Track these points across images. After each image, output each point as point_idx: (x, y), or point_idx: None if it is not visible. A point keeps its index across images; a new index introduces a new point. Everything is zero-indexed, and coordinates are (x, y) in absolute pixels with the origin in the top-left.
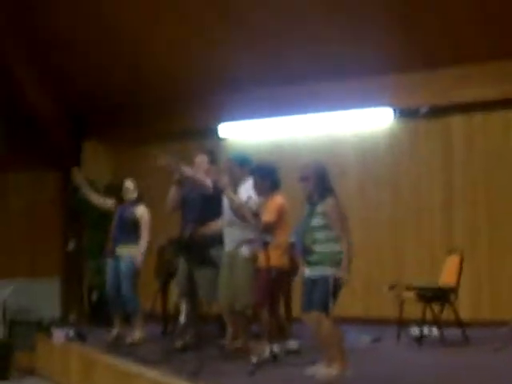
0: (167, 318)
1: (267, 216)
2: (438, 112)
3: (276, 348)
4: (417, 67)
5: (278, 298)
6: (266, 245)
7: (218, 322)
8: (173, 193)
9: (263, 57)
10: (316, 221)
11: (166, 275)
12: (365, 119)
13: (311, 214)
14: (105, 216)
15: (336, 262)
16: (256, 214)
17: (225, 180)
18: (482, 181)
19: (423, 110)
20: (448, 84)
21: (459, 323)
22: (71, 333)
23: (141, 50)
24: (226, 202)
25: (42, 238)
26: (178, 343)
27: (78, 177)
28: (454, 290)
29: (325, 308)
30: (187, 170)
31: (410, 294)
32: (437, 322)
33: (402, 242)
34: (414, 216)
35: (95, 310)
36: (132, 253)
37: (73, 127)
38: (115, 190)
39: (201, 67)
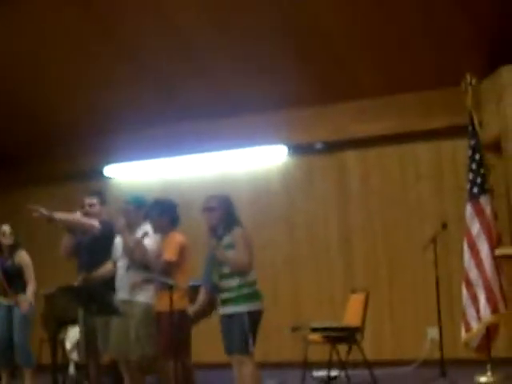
0: (56, 370)
1: (168, 255)
2: (333, 148)
3: None
4: (310, 102)
5: (184, 343)
6: (169, 287)
7: (113, 373)
8: (65, 239)
9: (151, 96)
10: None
11: (55, 325)
12: (258, 157)
13: (218, 248)
14: None
15: (249, 297)
16: (156, 255)
17: (121, 222)
18: (379, 217)
19: (318, 145)
20: (342, 119)
21: (366, 364)
22: None
23: (22, 90)
24: (119, 246)
25: None
26: None
27: None
28: (359, 330)
29: (245, 349)
30: (64, 216)
31: (316, 336)
32: (343, 363)
33: (299, 282)
34: (310, 254)
35: None
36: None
37: None
38: None
39: (86, 107)
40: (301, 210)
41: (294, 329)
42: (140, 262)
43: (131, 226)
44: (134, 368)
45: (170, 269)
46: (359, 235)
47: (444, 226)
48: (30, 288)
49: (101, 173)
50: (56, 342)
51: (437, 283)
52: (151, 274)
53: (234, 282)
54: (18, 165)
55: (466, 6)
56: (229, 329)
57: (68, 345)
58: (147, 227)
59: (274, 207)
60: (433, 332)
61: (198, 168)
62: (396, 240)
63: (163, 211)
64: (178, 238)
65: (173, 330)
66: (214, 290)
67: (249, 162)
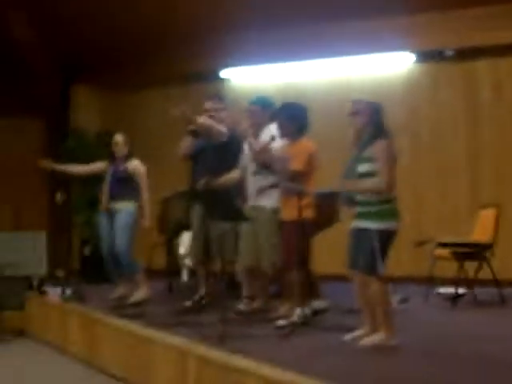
0: (172, 276)
1: (296, 164)
2: (463, 55)
3: (306, 310)
4: (439, 7)
5: (307, 252)
6: (297, 194)
7: (228, 281)
8: (186, 141)
9: None
10: (363, 167)
11: (172, 228)
12: (383, 63)
13: (358, 159)
14: None
15: (384, 214)
16: (284, 161)
17: (245, 125)
18: (510, 130)
19: (447, 53)
20: (473, 25)
21: (495, 282)
22: (68, 291)
23: None
24: (247, 150)
25: (26, 189)
26: (187, 303)
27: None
28: (490, 247)
29: (372, 270)
30: (203, 119)
31: (443, 251)
32: (470, 281)
33: (421, 195)
34: (434, 167)
35: (87, 265)
36: (129, 207)
37: (61, 70)
38: (107, 139)
39: (205, 7)
40: (426, 119)
41: (419, 243)
42: (265, 167)
43: (256, 128)
44: (258, 277)
45: (297, 178)
46: (489, 148)
47: None
48: (144, 197)
49: (217, 75)
50: (172, 246)
51: None
52: (278, 179)
53: (369, 196)
54: (134, 66)
55: None
56: (356, 244)
57: (182, 250)
58: (273, 129)
59: (397, 116)
60: None
61: (320, 73)
62: None
63: (293, 116)
64: (308, 145)
65: (298, 240)
66: (349, 202)
67: (373, 69)
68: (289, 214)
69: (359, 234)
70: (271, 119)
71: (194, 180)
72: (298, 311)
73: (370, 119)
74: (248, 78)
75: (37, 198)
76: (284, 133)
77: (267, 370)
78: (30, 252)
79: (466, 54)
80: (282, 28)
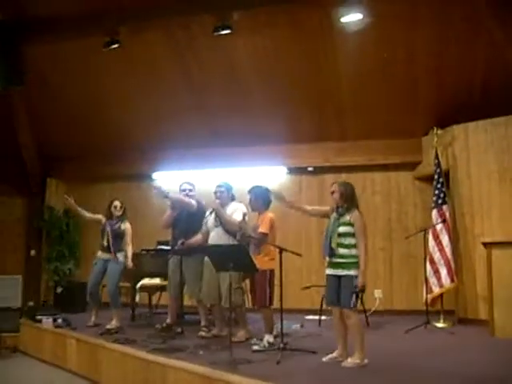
0: (134, 309)
1: (263, 228)
2: (317, 171)
3: (272, 337)
4: (303, 140)
5: (272, 294)
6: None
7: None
8: (168, 214)
9: (192, 126)
10: (343, 228)
11: (137, 277)
12: (267, 174)
13: (338, 223)
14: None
15: (357, 266)
16: (254, 228)
17: (216, 202)
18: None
19: (309, 169)
20: (327, 153)
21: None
22: (59, 319)
23: (100, 117)
24: (209, 219)
25: (10, 245)
26: (157, 326)
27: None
28: None
29: (352, 305)
30: (175, 195)
31: None
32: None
33: None
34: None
35: (59, 300)
36: (120, 257)
37: (41, 169)
38: (70, 215)
39: (142, 130)
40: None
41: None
42: (231, 230)
43: (222, 205)
44: (222, 312)
45: (264, 238)
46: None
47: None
48: (129, 250)
49: (150, 176)
50: (135, 290)
51: None
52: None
53: (351, 251)
54: (88, 167)
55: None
56: (338, 286)
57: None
58: (235, 206)
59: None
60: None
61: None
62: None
63: (259, 195)
64: (269, 215)
65: (267, 285)
66: (330, 253)
67: (257, 177)
68: (258, 265)
69: (341, 279)
70: (232, 199)
71: (174, 239)
72: (267, 337)
73: (343, 196)
74: (170, 180)
75: (17, 252)
76: (253, 208)
77: None
78: (11, 289)
79: (319, 171)
80: (195, 148)
